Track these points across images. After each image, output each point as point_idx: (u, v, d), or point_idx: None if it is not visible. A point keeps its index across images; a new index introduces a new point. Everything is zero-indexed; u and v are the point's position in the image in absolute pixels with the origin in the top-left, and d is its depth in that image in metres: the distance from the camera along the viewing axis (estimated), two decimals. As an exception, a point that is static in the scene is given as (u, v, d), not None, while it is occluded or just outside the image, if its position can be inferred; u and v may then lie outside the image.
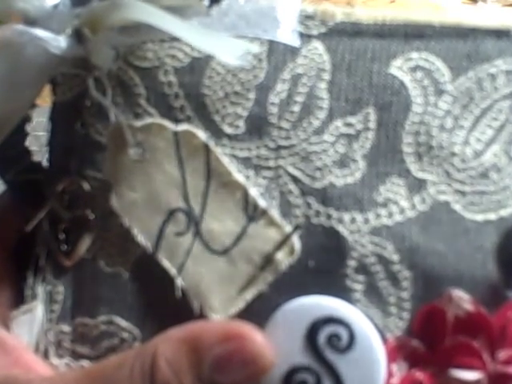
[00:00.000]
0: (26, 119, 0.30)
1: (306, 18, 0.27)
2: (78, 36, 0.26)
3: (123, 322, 0.27)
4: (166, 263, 0.27)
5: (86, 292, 0.28)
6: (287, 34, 0.27)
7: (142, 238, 0.27)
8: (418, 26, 0.27)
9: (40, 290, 0.28)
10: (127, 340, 0.27)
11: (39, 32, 0.26)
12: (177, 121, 0.27)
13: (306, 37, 0.27)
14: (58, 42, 0.26)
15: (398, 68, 0.27)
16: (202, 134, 0.27)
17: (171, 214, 0.27)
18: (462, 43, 0.27)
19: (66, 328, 0.28)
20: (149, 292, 0.27)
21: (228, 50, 0.23)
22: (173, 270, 0.27)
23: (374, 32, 0.27)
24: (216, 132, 0.27)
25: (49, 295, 0.28)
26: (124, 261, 0.27)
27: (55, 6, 0.28)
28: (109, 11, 0.25)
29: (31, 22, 0.28)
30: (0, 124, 0.28)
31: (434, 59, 0.27)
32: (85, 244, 0.28)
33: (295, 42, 0.27)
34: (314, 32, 0.27)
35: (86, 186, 0.28)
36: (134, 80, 0.28)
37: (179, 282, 0.26)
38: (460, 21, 0.27)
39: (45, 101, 0.29)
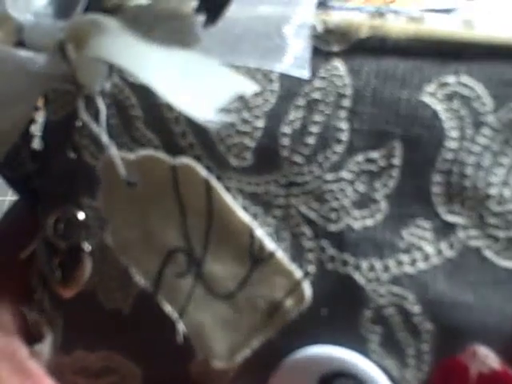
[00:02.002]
0: (31, 121, 0.28)
1: (326, 31, 0.23)
2: (62, 51, 0.23)
3: (123, 360, 0.26)
4: (167, 306, 0.25)
5: (84, 326, 0.26)
6: (294, 62, 0.23)
7: (141, 279, 0.25)
8: (458, 44, 0.23)
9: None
10: (128, 377, 0.26)
11: (17, 50, 0.23)
12: (178, 148, 0.24)
13: (324, 54, 0.24)
14: (36, 60, 0.23)
15: (431, 94, 0.23)
16: (201, 170, 0.24)
17: (170, 254, 0.25)
18: (509, 67, 0.23)
19: (67, 360, 0.26)
20: (150, 330, 0.25)
21: (206, 101, 0.20)
22: (174, 314, 0.25)
23: (405, 50, 0.23)
24: (221, 163, 0.24)
25: (48, 326, 0.26)
26: (124, 296, 0.25)
27: (37, 16, 0.24)
28: (89, 30, 0.22)
29: (20, 29, 0.25)
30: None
31: (475, 84, 0.23)
32: (83, 276, 0.26)
33: (303, 73, 0.23)
34: (335, 49, 0.24)
35: (81, 215, 0.25)
36: (130, 100, 0.25)
37: (181, 327, 0.25)
38: (509, 40, 0.23)
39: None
